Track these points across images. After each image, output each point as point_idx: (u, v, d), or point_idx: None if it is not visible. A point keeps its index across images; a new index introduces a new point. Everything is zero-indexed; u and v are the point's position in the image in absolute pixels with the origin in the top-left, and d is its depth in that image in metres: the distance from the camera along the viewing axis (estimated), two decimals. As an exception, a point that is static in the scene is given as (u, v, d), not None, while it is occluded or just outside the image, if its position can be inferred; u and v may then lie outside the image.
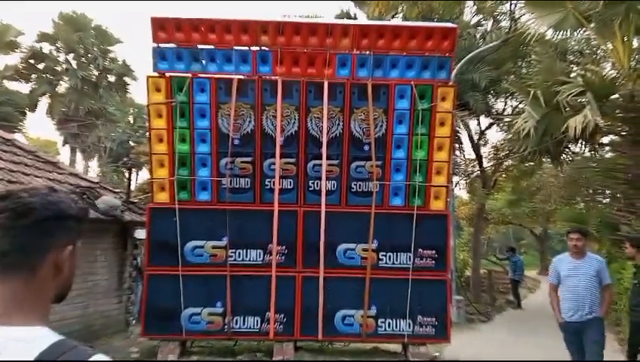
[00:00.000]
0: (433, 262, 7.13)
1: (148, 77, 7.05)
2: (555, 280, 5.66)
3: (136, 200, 10.85)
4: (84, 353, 1.05)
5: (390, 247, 7.12)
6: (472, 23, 15.39)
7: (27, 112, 22.51)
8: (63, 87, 24.02)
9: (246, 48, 7.10)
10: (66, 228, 1.17)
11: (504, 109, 16.80)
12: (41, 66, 23.48)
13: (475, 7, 15.17)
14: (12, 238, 1.10)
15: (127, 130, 25.74)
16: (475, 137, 16.69)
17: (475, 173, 17.43)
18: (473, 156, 17.03)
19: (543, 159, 12.25)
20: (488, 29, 15.58)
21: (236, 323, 6.99)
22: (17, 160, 8.29)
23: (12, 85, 22.93)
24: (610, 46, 9.83)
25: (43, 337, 1.05)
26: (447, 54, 7.17)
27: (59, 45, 23.29)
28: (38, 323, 1.08)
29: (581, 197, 15.06)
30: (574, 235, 5.55)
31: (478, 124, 17.16)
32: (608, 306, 5.81)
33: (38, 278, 1.12)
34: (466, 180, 17.70)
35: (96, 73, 23.86)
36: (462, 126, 14.79)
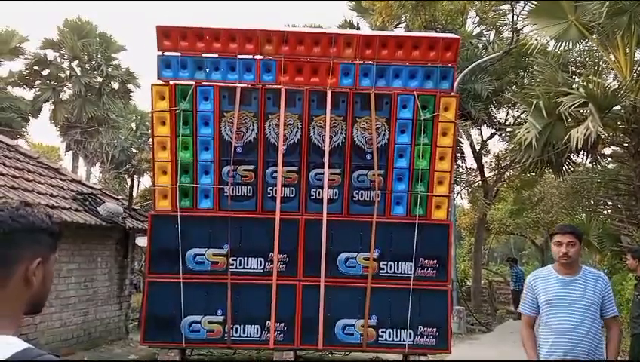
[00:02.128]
0: (434, 271, 7.11)
1: (152, 85, 7.09)
2: (532, 310, 3.59)
3: (137, 207, 10.86)
4: (53, 359, 1.08)
5: (391, 257, 7.11)
6: (474, 33, 15.47)
7: (30, 118, 22.60)
8: (66, 93, 24.12)
9: (250, 57, 7.14)
10: (35, 241, 1.20)
11: (506, 119, 16.84)
12: (45, 73, 23.59)
13: (478, 17, 15.24)
14: None
15: (130, 137, 25.84)
16: (477, 147, 16.72)
17: (476, 183, 17.43)
18: (475, 166, 17.05)
19: (545, 170, 12.25)
20: (490, 40, 15.66)
21: (236, 332, 6.97)
22: (20, 166, 8.32)
23: (15, 91, 23.05)
24: (612, 57, 9.87)
25: (10, 344, 1.08)
26: (449, 64, 7.19)
27: (63, 52, 23.41)
28: (6, 332, 1.11)
29: (582, 208, 15.04)
30: (564, 237, 3.50)
31: (480, 134, 17.21)
32: (618, 352, 3.75)
33: (7, 290, 1.15)
34: (467, 190, 17.70)
35: (99, 80, 23.95)
36: (464, 136, 14.82)
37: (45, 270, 1.22)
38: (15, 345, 1.08)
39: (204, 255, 7.02)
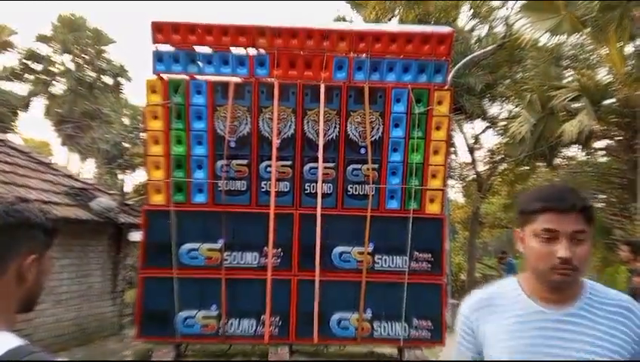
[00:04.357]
0: (429, 265, 7.13)
1: (147, 80, 7.02)
2: None
3: (131, 202, 10.80)
4: (46, 356, 1.06)
5: (386, 250, 7.11)
6: (467, 27, 15.46)
7: (20, 113, 22.42)
8: (58, 88, 23.94)
9: (243, 51, 7.10)
10: (30, 237, 1.18)
11: (499, 113, 16.88)
12: (37, 67, 23.38)
13: (472, 11, 15.23)
14: None
15: (122, 132, 25.68)
16: (471, 141, 16.75)
17: (470, 177, 17.48)
18: (468, 160, 17.10)
19: (538, 163, 12.30)
20: (484, 34, 15.66)
21: (231, 327, 6.96)
22: (11, 160, 8.23)
23: (6, 86, 22.83)
24: (605, 51, 9.90)
25: (4, 341, 1.06)
26: (443, 58, 7.18)
27: (55, 46, 23.21)
28: (1, 327, 1.09)
29: (575, 201, 15.09)
30: (564, 219, 1.47)
31: (474, 127, 17.25)
32: None
33: (1, 286, 1.13)
34: (461, 184, 17.75)
35: (91, 74, 23.78)
36: (457, 129, 14.83)
37: (40, 267, 1.20)
38: (9, 342, 1.06)
39: (198, 250, 7.00)
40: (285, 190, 7.10)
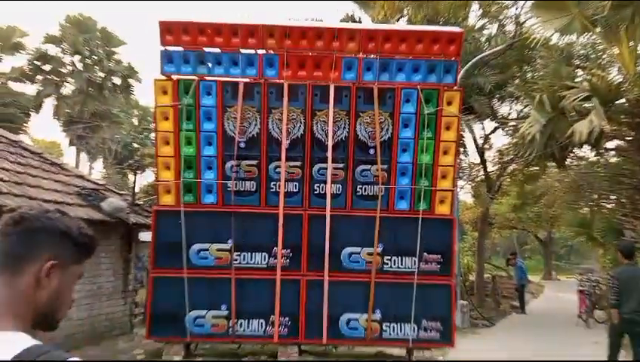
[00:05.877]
0: (438, 266, 7.11)
1: (155, 80, 7.07)
2: None
3: (141, 203, 10.87)
4: (60, 355, 1.07)
5: (395, 251, 7.11)
6: (477, 26, 15.38)
7: (31, 114, 22.62)
8: (68, 89, 24.12)
9: (252, 52, 7.12)
10: (53, 243, 1.18)
11: (509, 113, 16.77)
12: (46, 68, 23.57)
13: (481, 10, 15.16)
14: (2, 244, 1.16)
15: (132, 132, 25.83)
16: (480, 141, 16.67)
17: (479, 177, 17.40)
18: (478, 160, 17.01)
19: (548, 163, 12.22)
20: (493, 33, 15.57)
21: (241, 326, 6.99)
22: (24, 161, 8.32)
23: (17, 87, 23.05)
24: (616, 51, 9.82)
25: (18, 341, 1.07)
26: (453, 58, 7.16)
27: (65, 47, 23.39)
28: (16, 328, 1.10)
29: (585, 201, 15.03)
30: None
31: (483, 128, 17.14)
32: None
33: (19, 285, 1.15)
34: (470, 184, 17.68)
35: (101, 75, 23.94)
36: (467, 130, 14.77)
37: (62, 278, 1.19)
38: (24, 341, 1.07)
39: (207, 250, 7.04)
40: (294, 190, 7.11)
